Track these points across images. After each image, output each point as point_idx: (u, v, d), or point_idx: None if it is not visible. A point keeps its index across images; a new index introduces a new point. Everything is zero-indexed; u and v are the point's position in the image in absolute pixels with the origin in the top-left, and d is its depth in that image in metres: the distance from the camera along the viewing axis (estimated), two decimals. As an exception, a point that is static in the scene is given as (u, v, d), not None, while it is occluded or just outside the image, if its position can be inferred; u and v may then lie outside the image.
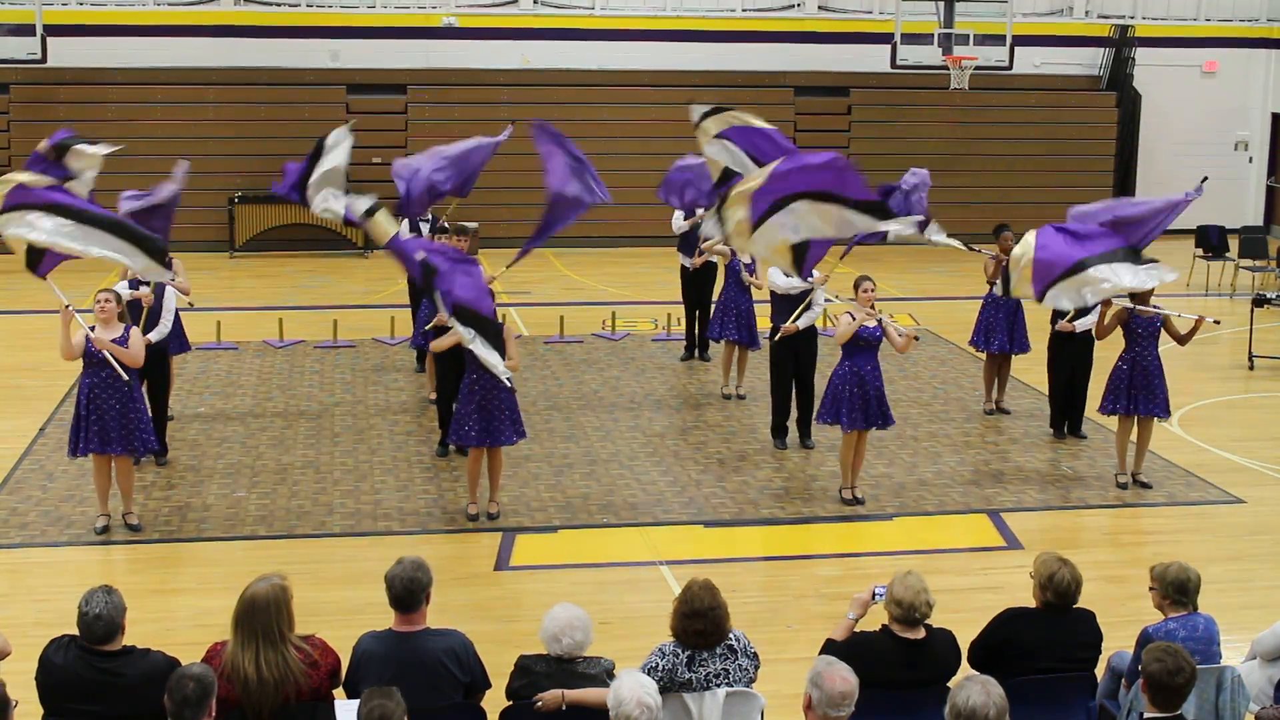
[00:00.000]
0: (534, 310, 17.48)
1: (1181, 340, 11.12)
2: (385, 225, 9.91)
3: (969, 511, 10.88)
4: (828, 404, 10.85)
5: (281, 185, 10.39)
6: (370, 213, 9.95)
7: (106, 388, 9.73)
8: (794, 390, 12.20)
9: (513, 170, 21.27)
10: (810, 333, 12.06)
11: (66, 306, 9.67)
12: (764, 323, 13.70)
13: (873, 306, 10.65)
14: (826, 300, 12.14)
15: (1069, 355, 12.33)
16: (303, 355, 15.37)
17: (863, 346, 10.62)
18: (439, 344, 10.55)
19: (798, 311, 11.71)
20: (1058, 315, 12.13)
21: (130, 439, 9.86)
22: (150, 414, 10.33)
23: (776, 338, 11.78)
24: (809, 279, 11.18)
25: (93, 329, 9.73)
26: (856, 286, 10.69)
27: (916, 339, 10.73)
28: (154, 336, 10.94)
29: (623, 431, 12.68)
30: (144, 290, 10.93)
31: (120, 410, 9.77)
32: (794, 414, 12.29)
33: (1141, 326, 11.06)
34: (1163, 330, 11.12)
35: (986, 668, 6.13)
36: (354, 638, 6.08)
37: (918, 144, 22.82)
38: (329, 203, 10.17)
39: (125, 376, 9.69)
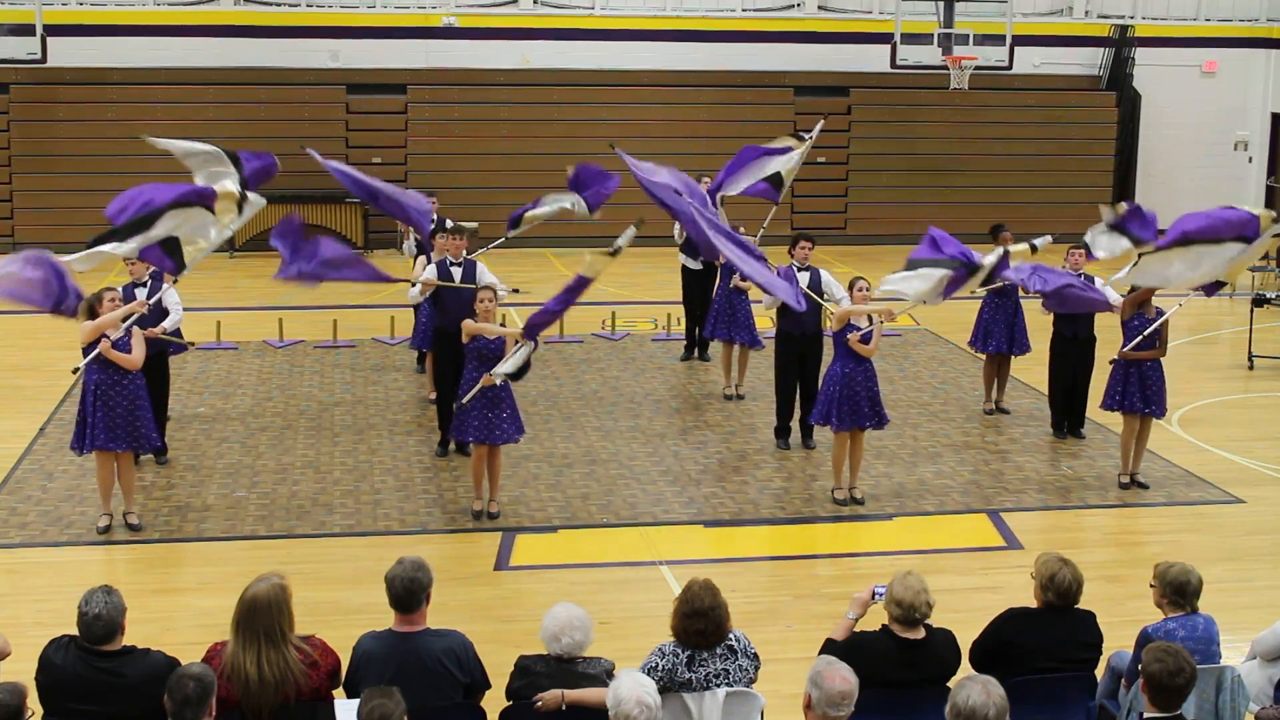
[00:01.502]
0: (534, 310, 17.40)
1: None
2: (602, 263, 9.71)
3: (969, 511, 10.88)
4: (820, 405, 10.88)
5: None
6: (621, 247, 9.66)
7: (114, 385, 9.75)
8: (798, 391, 12.20)
9: (510, 170, 21.44)
10: (817, 335, 12.06)
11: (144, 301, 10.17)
12: (764, 323, 13.69)
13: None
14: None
15: (1070, 358, 12.32)
16: (303, 355, 15.37)
17: (852, 348, 10.62)
18: (473, 326, 10.62)
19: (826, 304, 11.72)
20: (1059, 319, 12.14)
21: (137, 436, 9.91)
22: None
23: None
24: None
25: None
26: (851, 286, 10.87)
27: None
28: (168, 325, 10.99)
29: (623, 431, 12.68)
30: (138, 295, 10.75)
31: (129, 407, 9.80)
32: (797, 414, 12.29)
33: (1142, 326, 11.08)
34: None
35: (987, 668, 6.13)
36: (354, 638, 6.08)
37: (918, 144, 22.80)
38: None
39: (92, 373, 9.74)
